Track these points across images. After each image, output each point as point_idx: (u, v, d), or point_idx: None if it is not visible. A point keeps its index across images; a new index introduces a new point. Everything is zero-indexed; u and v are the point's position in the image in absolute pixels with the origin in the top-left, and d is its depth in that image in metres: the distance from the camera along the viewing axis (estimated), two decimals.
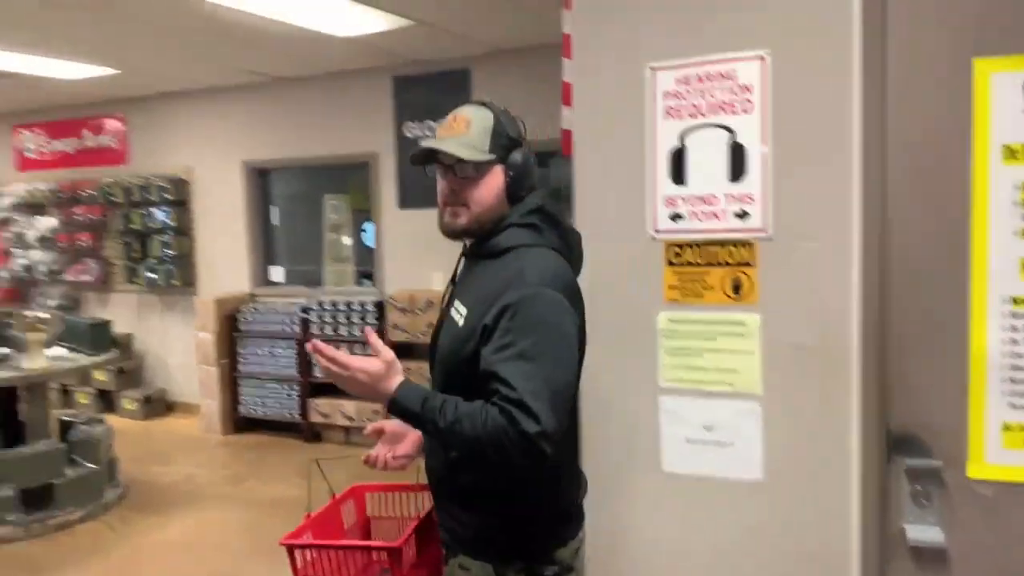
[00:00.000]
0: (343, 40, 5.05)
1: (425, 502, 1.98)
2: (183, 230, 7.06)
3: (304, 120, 6.40)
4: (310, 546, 1.81)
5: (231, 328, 6.48)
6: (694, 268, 1.80)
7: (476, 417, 1.44)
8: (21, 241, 7.85)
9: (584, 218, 1.94)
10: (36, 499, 4.54)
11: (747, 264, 1.74)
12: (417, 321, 5.56)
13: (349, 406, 5.93)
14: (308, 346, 1.56)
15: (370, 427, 1.91)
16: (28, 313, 4.91)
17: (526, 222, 1.64)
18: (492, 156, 1.64)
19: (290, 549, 1.79)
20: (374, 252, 6.27)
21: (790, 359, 1.70)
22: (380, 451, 1.88)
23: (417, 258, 5.96)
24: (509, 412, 1.42)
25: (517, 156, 1.66)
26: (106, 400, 7.23)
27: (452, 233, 1.70)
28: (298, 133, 6.45)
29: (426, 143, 1.66)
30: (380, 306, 5.86)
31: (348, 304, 5.91)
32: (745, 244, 1.74)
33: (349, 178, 6.51)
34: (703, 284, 1.79)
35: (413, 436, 1.87)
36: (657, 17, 1.81)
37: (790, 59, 1.68)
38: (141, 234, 7.20)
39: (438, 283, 5.87)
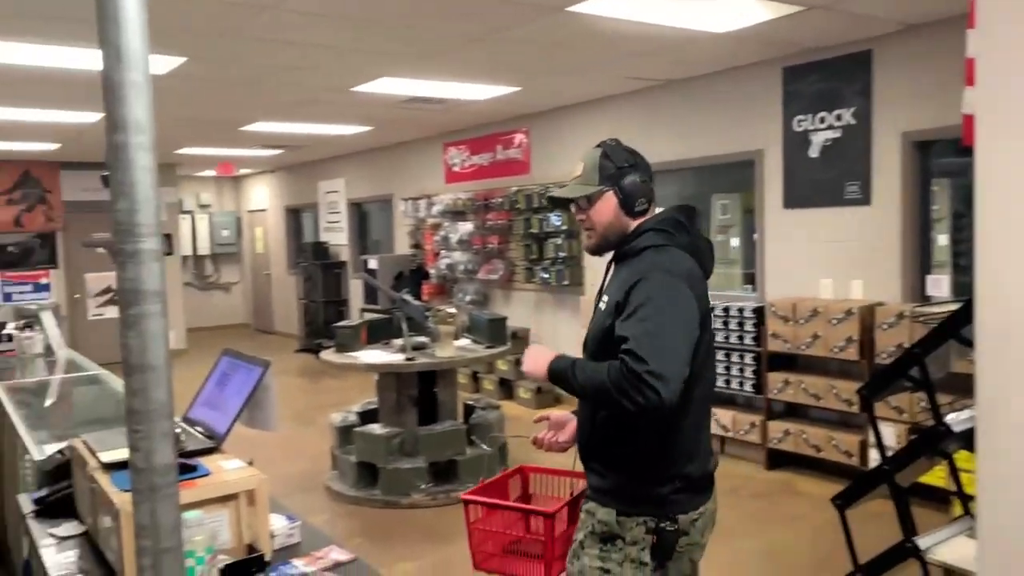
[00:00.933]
0: (726, 36, 4.88)
1: (579, 485, 2.30)
2: (573, 234, 7.49)
3: (691, 120, 6.35)
4: (481, 503, 2.30)
5: None
6: None
7: (602, 368, 1.80)
8: (446, 243, 9.05)
9: (988, 225, 1.57)
10: (442, 472, 5.18)
11: None
12: (799, 332, 5.15)
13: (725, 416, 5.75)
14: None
15: (539, 415, 2.30)
16: (441, 308, 5.61)
17: (659, 228, 1.99)
18: (601, 186, 2.02)
19: (465, 504, 2.30)
20: (755, 255, 5.98)
21: None
22: (546, 435, 2.24)
23: (803, 263, 5.53)
24: (624, 358, 1.75)
25: (625, 179, 2.03)
26: (506, 388, 7.99)
27: (591, 251, 2.12)
28: (685, 133, 6.41)
29: (552, 193, 2.15)
30: (759, 312, 5.55)
31: (725, 309, 5.70)
32: None
33: (735, 177, 6.31)
34: None
35: (571, 426, 2.19)
36: None
37: None
38: (538, 238, 7.82)
39: (825, 291, 5.37)
